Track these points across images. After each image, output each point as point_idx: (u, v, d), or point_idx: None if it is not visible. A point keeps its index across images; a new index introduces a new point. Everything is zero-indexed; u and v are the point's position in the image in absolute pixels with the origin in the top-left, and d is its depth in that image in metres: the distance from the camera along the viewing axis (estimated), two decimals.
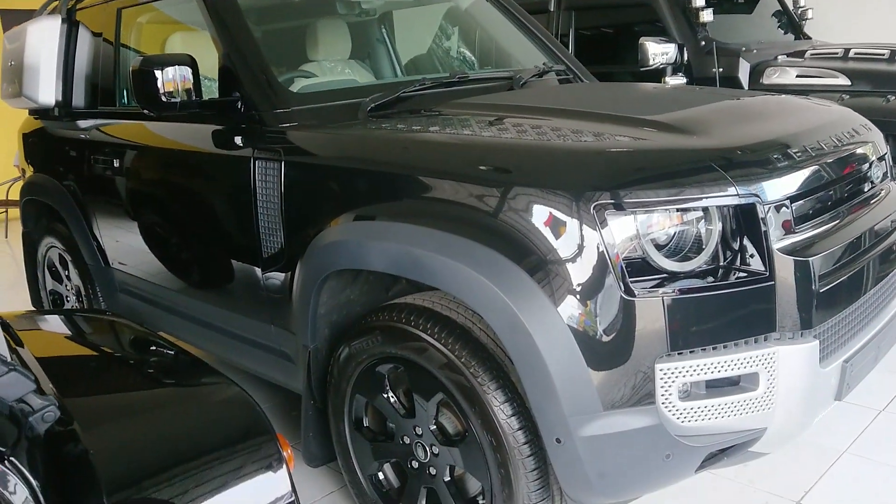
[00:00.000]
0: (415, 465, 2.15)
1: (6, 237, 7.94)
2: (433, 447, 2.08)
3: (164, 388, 1.73)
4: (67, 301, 3.94)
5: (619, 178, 1.75)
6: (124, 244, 3.31)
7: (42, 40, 3.55)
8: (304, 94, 2.56)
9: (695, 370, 1.75)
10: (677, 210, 1.76)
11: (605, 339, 1.73)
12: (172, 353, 1.83)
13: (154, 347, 1.86)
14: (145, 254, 3.17)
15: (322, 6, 3.33)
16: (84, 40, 3.51)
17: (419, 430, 2.10)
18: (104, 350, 1.97)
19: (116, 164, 3.18)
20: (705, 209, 1.77)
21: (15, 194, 7.67)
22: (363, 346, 2.14)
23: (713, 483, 2.56)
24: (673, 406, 1.76)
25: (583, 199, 1.71)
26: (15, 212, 7.85)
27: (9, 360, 1.22)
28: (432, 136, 2.09)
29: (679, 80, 4.75)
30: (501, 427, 1.84)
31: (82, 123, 3.49)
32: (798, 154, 1.96)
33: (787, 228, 1.84)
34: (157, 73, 2.42)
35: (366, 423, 2.29)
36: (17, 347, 1.56)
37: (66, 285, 3.92)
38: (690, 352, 1.75)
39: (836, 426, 2.83)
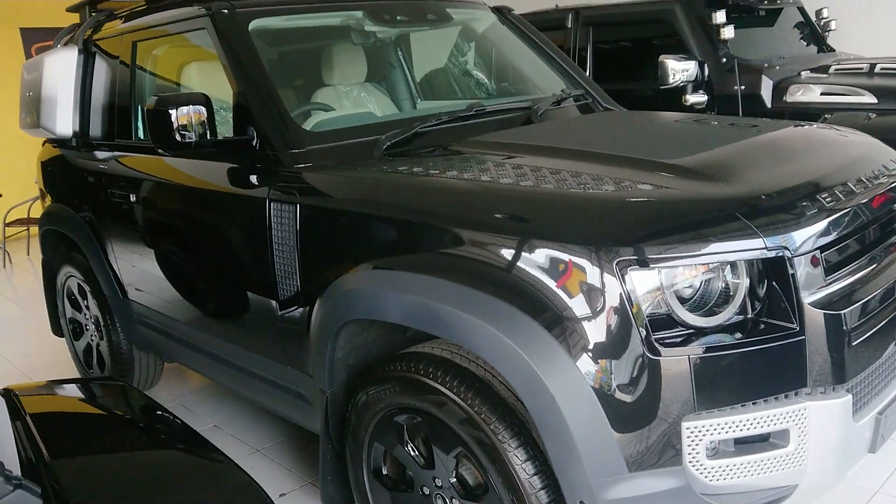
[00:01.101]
0: None
1: (28, 254, 8.02)
2: (453, 500, 2.03)
3: (171, 471, 1.69)
4: (87, 329, 3.95)
5: (643, 233, 1.70)
6: (142, 277, 3.30)
7: (59, 72, 3.56)
8: (320, 133, 2.52)
9: (723, 428, 1.70)
10: (703, 265, 1.70)
11: (630, 398, 1.67)
12: (180, 430, 1.78)
13: (161, 424, 1.83)
14: (162, 287, 3.16)
15: (337, 35, 3.30)
16: (100, 71, 3.51)
17: (439, 482, 2.06)
18: (109, 425, 1.94)
19: (133, 198, 3.17)
20: (732, 263, 1.71)
21: (36, 212, 7.77)
22: (381, 396, 2.10)
23: None
24: (700, 465, 1.70)
25: (606, 254, 1.66)
26: (36, 229, 7.96)
27: (14, 476, 1.18)
28: (449, 182, 2.05)
29: (700, 97, 4.66)
30: (523, 486, 1.79)
31: (100, 154, 3.48)
32: (828, 199, 1.89)
33: (818, 280, 1.78)
34: (172, 112, 2.40)
35: (384, 471, 2.25)
36: (18, 420, 1.53)
37: (84, 314, 3.93)
38: (718, 409, 1.70)
39: (868, 464, 2.74)
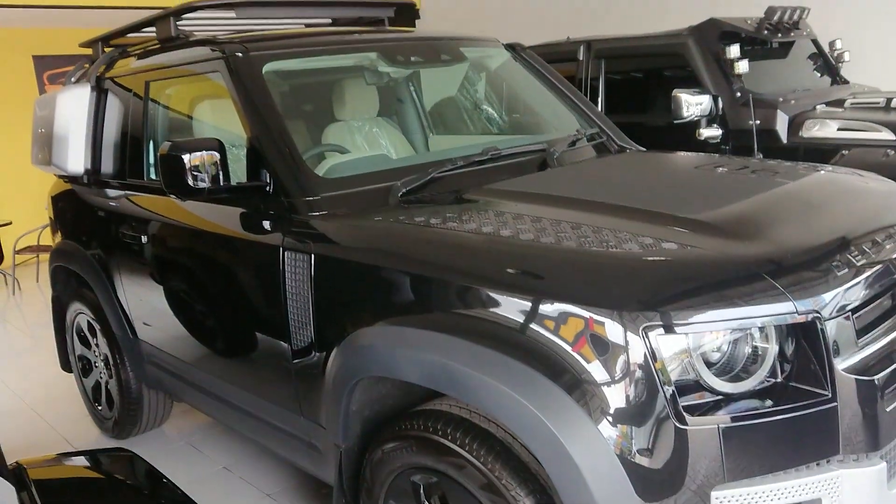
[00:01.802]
0: None
1: (37, 281, 8.01)
2: None
3: None
4: (96, 367, 3.91)
5: (669, 297, 1.65)
6: (152, 317, 3.27)
7: (71, 109, 3.55)
8: (335, 180, 2.48)
9: (753, 498, 1.64)
10: (732, 330, 1.65)
11: (657, 467, 1.62)
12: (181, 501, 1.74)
13: (164, 493, 1.79)
14: (173, 328, 3.12)
15: (350, 74, 3.28)
16: (113, 109, 3.51)
17: None
18: (114, 495, 1.90)
19: (145, 238, 3.15)
20: (761, 328, 1.66)
21: (45, 239, 7.78)
22: (397, 455, 2.05)
23: None
24: None
25: (631, 318, 1.61)
26: (46, 256, 7.96)
27: None
28: (468, 237, 2.00)
29: (714, 131, 4.62)
30: None
31: (111, 193, 3.47)
32: (857, 256, 1.85)
33: (850, 343, 1.73)
34: (185, 157, 2.37)
35: None
36: (24, 491, 1.49)
37: (94, 351, 3.89)
38: (749, 478, 1.64)
39: None
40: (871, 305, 1.82)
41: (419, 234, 2.11)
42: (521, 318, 1.74)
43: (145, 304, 3.28)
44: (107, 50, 3.73)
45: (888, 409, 1.72)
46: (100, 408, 3.97)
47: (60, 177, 3.94)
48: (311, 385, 2.34)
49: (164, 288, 3.13)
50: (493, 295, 1.80)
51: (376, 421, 2.28)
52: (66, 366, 4.25)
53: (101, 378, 3.89)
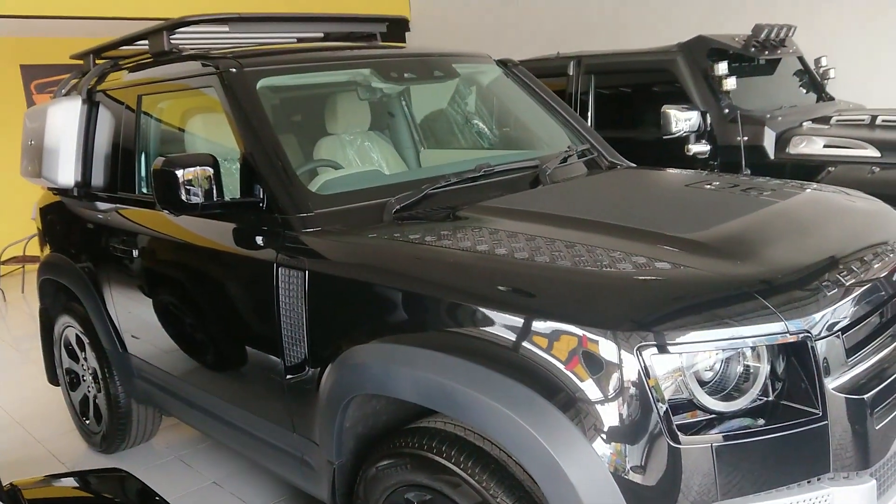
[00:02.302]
0: None
1: (22, 291, 7.95)
2: None
3: None
4: (84, 381, 3.88)
5: (663, 316, 1.67)
6: (142, 332, 3.25)
7: (62, 122, 3.54)
8: (328, 196, 2.49)
9: None
10: (724, 349, 1.68)
11: (651, 484, 1.63)
12: None
13: None
14: (164, 343, 3.11)
15: (343, 90, 3.30)
16: (104, 122, 3.50)
17: None
18: None
19: (136, 252, 3.14)
20: (753, 347, 1.69)
21: (31, 250, 7.73)
22: (392, 472, 2.05)
23: None
24: None
25: (625, 339, 1.63)
26: (31, 266, 7.90)
27: None
28: (462, 255, 2.01)
29: (702, 147, 4.67)
30: None
31: (101, 206, 3.45)
32: (846, 275, 1.88)
33: (840, 363, 1.75)
34: (178, 173, 2.38)
35: None
36: None
37: (82, 365, 3.86)
38: (741, 497, 1.66)
39: None
40: (861, 324, 1.85)
41: (414, 252, 2.11)
42: (515, 337, 1.76)
43: (136, 318, 3.26)
44: (98, 62, 3.72)
45: (878, 427, 1.75)
46: (87, 422, 3.94)
47: (50, 189, 3.92)
48: (305, 401, 2.34)
49: (156, 302, 3.12)
50: (488, 313, 1.81)
51: (370, 437, 2.28)
52: (53, 379, 4.21)
53: (88, 392, 3.86)
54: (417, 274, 2.04)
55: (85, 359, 3.81)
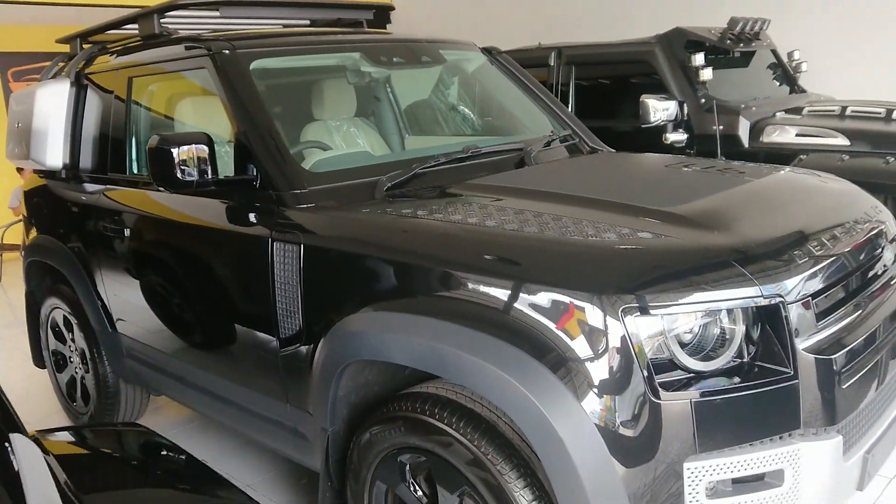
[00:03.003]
0: None
1: (0, 280, 7.89)
2: None
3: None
4: (71, 362, 3.91)
5: (646, 281, 1.77)
6: (132, 311, 3.29)
7: (50, 104, 3.55)
8: (321, 174, 2.56)
9: (722, 468, 1.77)
10: (703, 313, 1.78)
11: (635, 439, 1.73)
12: (198, 471, 1.81)
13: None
14: (155, 321, 3.16)
15: (332, 74, 3.36)
16: (93, 104, 3.52)
17: None
18: (131, 466, 1.97)
19: (127, 232, 3.18)
20: (730, 311, 1.79)
21: (10, 238, 7.68)
22: (385, 436, 2.13)
23: None
24: None
25: (610, 303, 1.73)
26: (10, 255, 7.84)
27: None
28: (455, 227, 2.10)
29: (679, 136, 4.81)
30: None
31: (90, 187, 3.49)
32: (817, 247, 1.99)
33: (810, 326, 1.86)
34: (174, 151, 2.43)
35: None
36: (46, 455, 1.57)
37: (69, 346, 3.89)
38: (717, 450, 1.77)
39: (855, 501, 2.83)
40: (830, 292, 1.96)
41: (408, 225, 2.20)
42: (506, 303, 1.85)
43: (127, 298, 3.30)
44: (85, 46, 3.75)
45: (844, 387, 1.86)
46: (74, 403, 3.97)
47: (37, 172, 3.94)
48: (299, 372, 2.41)
49: (148, 281, 3.16)
50: (479, 281, 1.90)
51: (362, 406, 2.36)
52: (38, 361, 4.23)
53: (76, 373, 3.89)
54: (410, 246, 2.13)
55: (73, 340, 3.84)
